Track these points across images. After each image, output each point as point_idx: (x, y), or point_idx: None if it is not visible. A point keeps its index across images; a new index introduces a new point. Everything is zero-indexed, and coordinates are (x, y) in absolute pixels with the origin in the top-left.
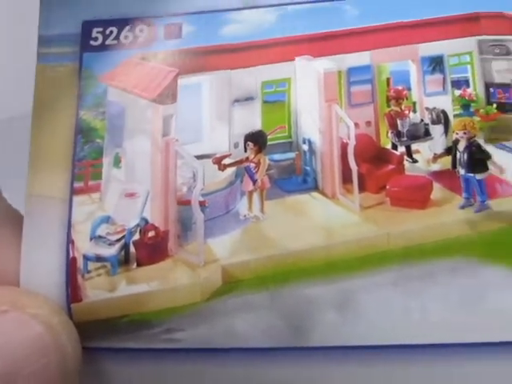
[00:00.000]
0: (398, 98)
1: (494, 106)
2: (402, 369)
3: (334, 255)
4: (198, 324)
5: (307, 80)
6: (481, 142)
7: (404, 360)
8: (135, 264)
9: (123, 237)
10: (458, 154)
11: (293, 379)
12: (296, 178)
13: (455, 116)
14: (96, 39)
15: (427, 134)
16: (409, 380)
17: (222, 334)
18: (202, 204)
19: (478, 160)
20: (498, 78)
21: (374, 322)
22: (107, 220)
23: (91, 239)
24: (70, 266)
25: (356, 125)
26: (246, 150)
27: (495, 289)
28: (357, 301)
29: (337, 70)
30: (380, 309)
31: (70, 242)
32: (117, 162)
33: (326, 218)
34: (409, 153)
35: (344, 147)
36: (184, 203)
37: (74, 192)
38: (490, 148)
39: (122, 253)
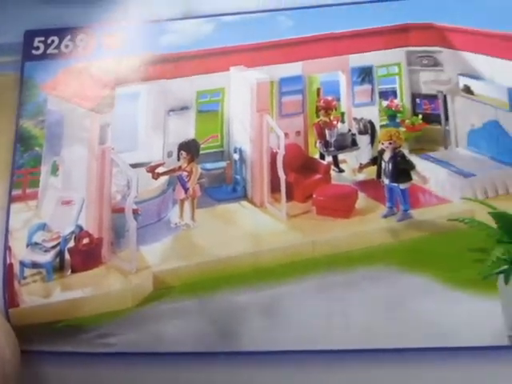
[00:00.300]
0: (328, 108)
1: (420, 116)
2: (326, 372)
3: (261, 262)
4: (130, 329)
5: (241, 90)
6: (405, 152)
7: (327, 364)
8: (70, 271)
9: (58, 244)
10: (383, 164)
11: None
12: (226, 186)
13: (382, 126)
14: (38, 48)
15: (354, 144)
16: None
17: (152, 338)
18: (135, 212)
19: (402, 170)
20: (424, 89)
21: (299, 327)
22: (43, 227)
23: (28, 246)
24: (7, 272)
25: (286, 135)
26: (179, 159)
27: (414, 296)
28: (283, 307)
29: (269, 80)
30: (305, 315)
31: (7, 248)
32: (54, 170)
33: (254, 227)
34: (336, 162)
35: (273, 157)
36: (118, 211)
37: (11, 200)
38: (414, 158)
39: (57, 259)
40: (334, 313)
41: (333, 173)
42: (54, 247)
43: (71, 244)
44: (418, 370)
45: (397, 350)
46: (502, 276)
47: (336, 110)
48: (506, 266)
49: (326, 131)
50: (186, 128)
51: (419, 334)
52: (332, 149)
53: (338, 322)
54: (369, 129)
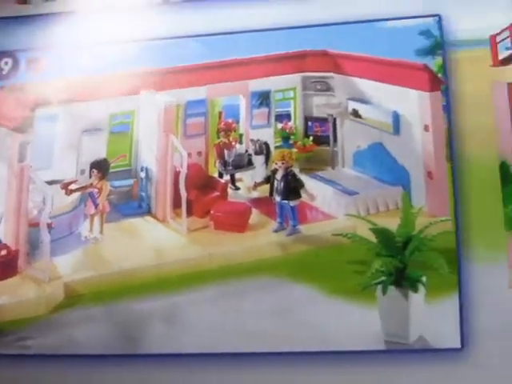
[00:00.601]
0: (228, 130)
1: (311, 138)
2: (220, 373)
3: (163, 273)
4: (45, 333)
5: (149, 112)
6: (296, 171)
7: (222, 365)
8: None
9: None
10: (276, 183)
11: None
12: (133, 202)
13: (276, 147)
14: None
15: (250, 163)
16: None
17: (65, 342)
18: (49, 226)
19: (292, 188)
20: (316, 113)
21: (197, 332)
22: None
23: None
24: None
25: (189, 154)
26: (90, 177)
27: (301, 304)
28: (182, 314)
29: (176, 103)
30: (202, 321)
31: None
32: None
33: (157, 240)
34: (233, 181)
35: (177, 175)
36: (34, 225)
37: None
38: (304, 177)
39: None
40: (228, 319)
41: (230, 190)
42: None
43: None
44: (304, 372)
45: (284, 353)
46: (380, 286)
47: (235, 131)
48: (383, 278)
49: (225, 151)
50: (98, 148)
51: (305, 338)
52: (230, 168)
53: (231, 327)
54: (264, 149)
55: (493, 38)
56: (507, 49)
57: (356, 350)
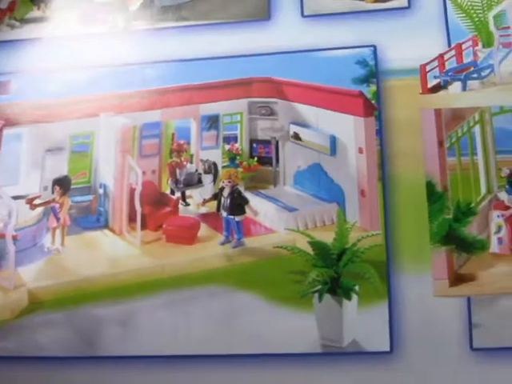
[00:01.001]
0: (180, 150)
1: (255, 159)
2: (171, 373)
3: (118, 282)
4: (10, 337)
5: (108, 133)
6: (242, 189)
7: (173, 367)
8: None
9: None
10: (223, 199)
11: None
12: (92, 216)
13: (223, 167)
14: None
15: (200, 181)
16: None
17: (29, 345)
18: (14, 237)
19: (237, 205)
20: (261, 135)
21: (151, 336)
22: None
23: None
24: None
25: (144, 173)
26: (53, 192)
27: (245, 310)
28: (137, 319)
29: (132, 125)
30: (155, 326)
31: None
32: None
33: (114, 251)
34: (183, 197)
35: (132, 192)
36: (0, 236)
37: None
38: (248, 195)
39: None
40: (179, 324)
41: (180, 206)
42: None
43: None
44: (246, 373)
45: (230, 356)
46: (316, 294)
47: (186, 152)
48: (319, 286)
49: (177, 170)
50: (60, 166)
51: (248, 342)
52: (181, 186)
53: (182, 331)
54: (212, 169)
55: (423, 67)
56: (435, 77)
57: (295, 353)
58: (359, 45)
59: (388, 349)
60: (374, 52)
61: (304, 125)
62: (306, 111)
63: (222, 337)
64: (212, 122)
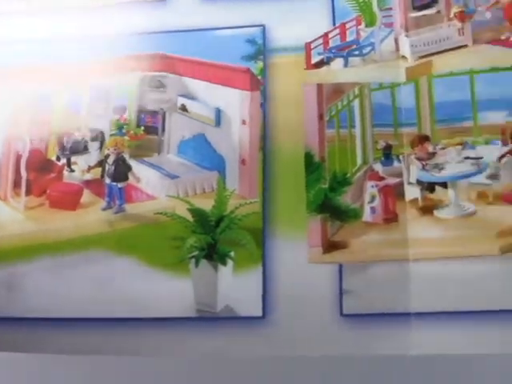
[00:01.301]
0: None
1: (142, 128)
2: (53, 335)
3: (2, 246)
4: None
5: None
6: (127, 157)
7: (54, 328)
8: None
9: None
10: (107, 167)
11: None
12: None
13: (111, 135)
14: None
15: (86, 149)
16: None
17: None
18: None
19: (121, 171)
20: (150, 106)
21: (34, 299)
22: None
23: None
24: None
25: (32, 141)
26: None
27: (124, 275)
28: (22, 282)
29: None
30: (37, 289)
31: None
32: None
33: None
34: (69, 164)
35: (18, 159)
36: None
37: None
38: (133, 162)
39: None
40: (59, 288)
41: (66, 173)
42: None
43: None
44: (124, 336)
45: (107, 320)
46: (193, 260)
47: None
48: (197, 252)
49: (65, 138)
50: None
51: (126, 306)
52: (67, 152)
53: (62, 295)
54: (99, 137)
55: (308, 45)
56: (319, 54)
57: (171, 317)
58: (249, 24)
59: (260, 314)
60: (263, 31)
61: (192, 98)
62: (195, 85)
63: (102, 300)
64: (102, 93)
